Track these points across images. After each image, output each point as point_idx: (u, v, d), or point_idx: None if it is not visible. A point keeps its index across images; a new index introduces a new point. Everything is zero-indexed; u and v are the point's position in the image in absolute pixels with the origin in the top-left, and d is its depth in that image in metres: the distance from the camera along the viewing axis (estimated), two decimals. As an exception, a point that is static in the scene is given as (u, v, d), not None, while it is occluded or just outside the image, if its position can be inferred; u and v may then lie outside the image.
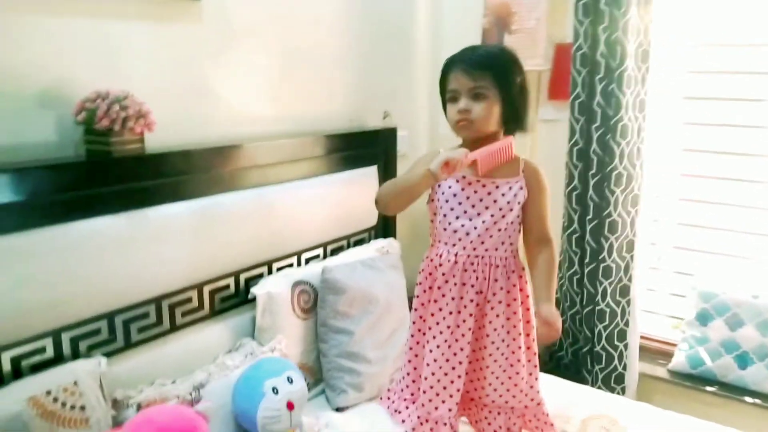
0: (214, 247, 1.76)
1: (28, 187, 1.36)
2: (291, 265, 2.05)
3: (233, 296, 1.87)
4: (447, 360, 1.43)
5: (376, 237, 2.40)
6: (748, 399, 2.26)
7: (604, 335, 2.41)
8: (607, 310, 2.39)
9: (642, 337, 2.56)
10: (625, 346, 2.41)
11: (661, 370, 2.49)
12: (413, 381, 1.54)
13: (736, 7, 2.25)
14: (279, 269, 2.00)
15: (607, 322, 2.40)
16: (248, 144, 1.87)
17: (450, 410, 1.45)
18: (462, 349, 1.43)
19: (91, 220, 1.47)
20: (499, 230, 1.41)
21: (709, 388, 2.33)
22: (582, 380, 2.46)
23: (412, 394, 1.55)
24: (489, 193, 1.41)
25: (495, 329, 1.42)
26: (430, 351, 1.44)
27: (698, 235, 2.46)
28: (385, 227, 2.45)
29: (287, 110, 2.12)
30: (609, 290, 2.38)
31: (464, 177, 1.43)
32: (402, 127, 2.56)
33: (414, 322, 1.52)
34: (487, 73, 1.37)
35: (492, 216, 1.41)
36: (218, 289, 1.82)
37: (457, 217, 1.43)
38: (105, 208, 1.50)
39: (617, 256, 2.35)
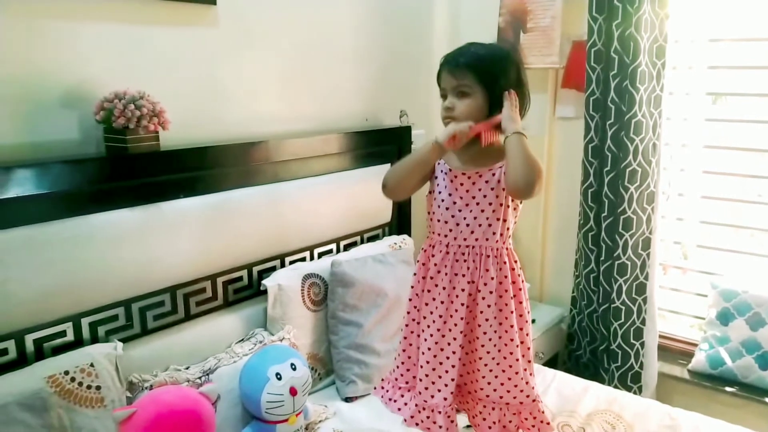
0: (227, 240, 1.84)
1: (50, 180, 1.46)
2: (303, 259, 2.12)
3: (246, 288, 1.95)
4: (441, 349, 1.46)
5: (391, 233, 2.44)
6: (768, 400, 2.21)
7: (620, 333, 2.40)
8: (623, 308, 2.38)
9: (662, 337, 2.53)
10: (642, 345, 2.39)
11: (681, 370, 2.46)
12: (407, 370, 1.57)
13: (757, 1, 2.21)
14: (291, 263, 2.06)
15: (623, 320, 2.38)
16: (262, 141, 1.95)
17: (445, 399, 1.47)
18: (455, 339, 1.45)
19: (110, 212, 1.57)
20: (488, 218, 1.43)
21: (729, 389, 2.29)
22: (599, 379, 2.45)
23: (407, 383, 1.57)
24: (474, 183, 1.44)
25: (486, 319, 1.43)
26: (425, 340, 1.47)
27: (720, 234, 2.42)
28: (399, 224, 2.50)
29: (304, 109, 2.19)
30: (624, 288, 2.36)
31: (450, 170, 1.47)
32: (418, 126, 2.60)
33: (408, 312, 1.55)
34: (469, 71, 1.40)
35: (478, 204, 1.43)
36: (231, 280, 1.90)
37: (447, 209, 1.46)
38: (122, 202, 1.60)
39: (632, 254, 2.33)
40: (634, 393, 2.39)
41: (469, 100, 1.41)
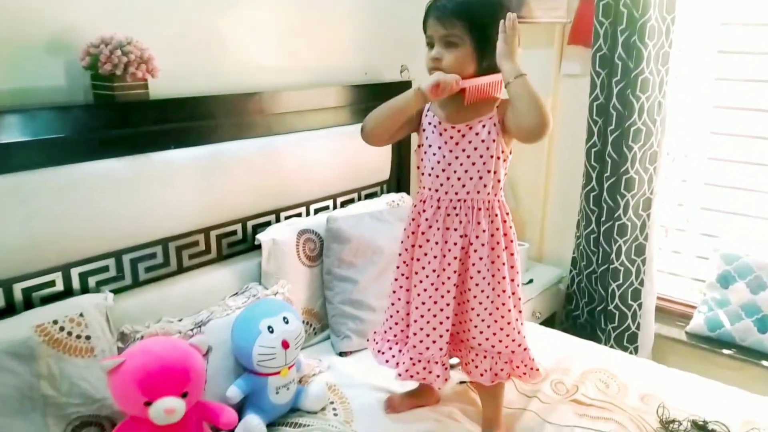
0: (221, 193, 1.81)
1: (36, 127, 1.42)
2: (299, 215, 2.09)
3: (240, 242, 1.93)
4: (435, 302, 1.45)
5: (389, 191, 2.41)
6: (766, 363, 2.20)
7: (618, 294, 2.38)
8: (622, 269, 2.35)
9: (661, 299, 2.51)
10: (639, 306, 2.37)
11: (678, 331, 2.45)
12: (396, 323, 1.57)
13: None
14: (287, 218, 2.03)
15: (621, 281, 2.36)
16: (257, 93, 1.90)
17: (441, 349, 1.49)
18: (449, 291, 1.44)
19: (99, 162, 1.54)
20: (478, 171, 1.40)
21: (726, 351, 2.29)
22: (596, 339, 2.44)
23: (395, 336, 1.58)
24: (463, 136, 1.41)
25: (479, 271, 1.42)
26: (418, 295, 1.46)
27: (724, 196, 2.38)
28: (398, 181, 2.46)
29: (301, 61, 2.13)
30: (624, 249, 2.33)
31: (439, 123, 1.43)
32: (420, 81, 2.53)
33: (398, 267, 1.54)
34: (458, 21, 1.33)
35: (469, 157, 1.40)
36: (225, 234, 1.88)
37: (438, 162, 1.43)
38: (112, 151, 1.56)
39: (633, 215, 2.30)
40: (630, 354, 2.39)
41: (458, 51, 1.35)
